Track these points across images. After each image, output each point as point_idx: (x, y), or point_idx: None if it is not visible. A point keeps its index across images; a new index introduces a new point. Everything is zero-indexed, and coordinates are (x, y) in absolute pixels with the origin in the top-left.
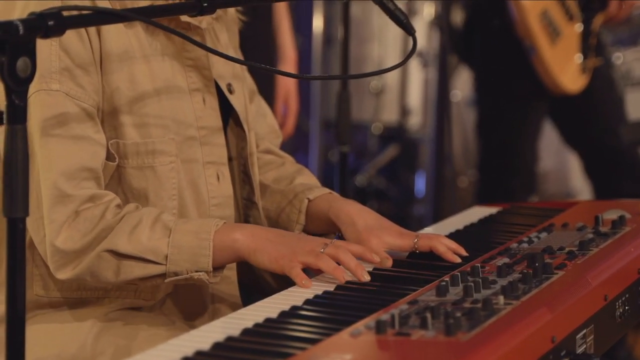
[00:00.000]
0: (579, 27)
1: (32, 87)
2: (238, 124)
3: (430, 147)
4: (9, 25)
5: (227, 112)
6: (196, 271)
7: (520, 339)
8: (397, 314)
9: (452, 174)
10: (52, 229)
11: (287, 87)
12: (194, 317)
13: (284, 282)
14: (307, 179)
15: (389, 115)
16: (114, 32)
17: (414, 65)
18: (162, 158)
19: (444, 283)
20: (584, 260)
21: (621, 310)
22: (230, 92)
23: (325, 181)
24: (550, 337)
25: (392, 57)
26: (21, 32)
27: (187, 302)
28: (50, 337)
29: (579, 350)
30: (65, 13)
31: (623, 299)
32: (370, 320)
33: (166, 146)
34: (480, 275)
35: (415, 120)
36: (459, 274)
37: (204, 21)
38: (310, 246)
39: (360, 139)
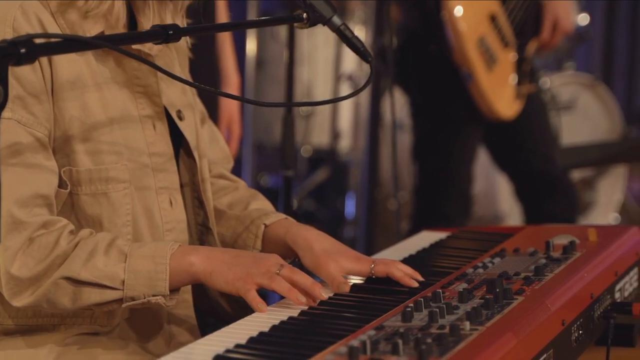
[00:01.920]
0: (513, 54)
1: None
2: (188, 151)
3: (362, 170)
4: None
5: (179, 139)
6: (153, 295)
7: None
8: (368, 340)
9: (386, 196)
10: (6, 256)
11: (230, 111)
12: (150, 340)
13: (239, 307)
14: (262, 204)
15: (319, 138)
16: (65, 60)
17: (345, 88)
18: (115, 185)
19: (409, 309)
20: (541, 285)
21: (576, 334)
22: (180, 119)
23: None
24: None
25: (322, 81)
26: None
27: (144, 325)
28: None
29: None
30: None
31: (578, 323)
32: (340, 346)
33: (120, 173)
34: (443, 301)
35: (345, 143)
36: (422, 299)
37: (154, 48)
38: (265, 267)
39: None
